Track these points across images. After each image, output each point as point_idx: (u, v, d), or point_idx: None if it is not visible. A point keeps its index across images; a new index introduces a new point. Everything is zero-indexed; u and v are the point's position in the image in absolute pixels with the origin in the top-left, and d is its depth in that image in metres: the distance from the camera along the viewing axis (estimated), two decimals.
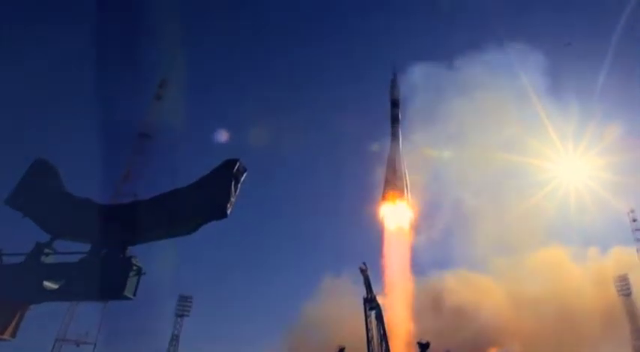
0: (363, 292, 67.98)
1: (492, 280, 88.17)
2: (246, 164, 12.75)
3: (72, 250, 12.63)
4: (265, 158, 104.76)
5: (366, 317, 66.37)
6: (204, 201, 12.44)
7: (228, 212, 12.38)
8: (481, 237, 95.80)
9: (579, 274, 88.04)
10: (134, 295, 12.32)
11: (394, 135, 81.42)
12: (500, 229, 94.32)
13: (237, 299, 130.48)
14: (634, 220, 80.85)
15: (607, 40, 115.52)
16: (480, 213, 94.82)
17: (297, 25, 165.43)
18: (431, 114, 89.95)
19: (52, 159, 13.72)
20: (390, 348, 65.46)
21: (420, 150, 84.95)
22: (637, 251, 78.54)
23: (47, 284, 12.00)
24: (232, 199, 12.42)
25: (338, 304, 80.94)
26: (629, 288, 79.28)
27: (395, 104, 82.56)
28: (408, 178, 79.41)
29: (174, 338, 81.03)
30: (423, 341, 66.33)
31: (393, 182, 78.10)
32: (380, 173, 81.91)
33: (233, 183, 12.45)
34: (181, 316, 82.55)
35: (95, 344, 68.38)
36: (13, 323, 11.89)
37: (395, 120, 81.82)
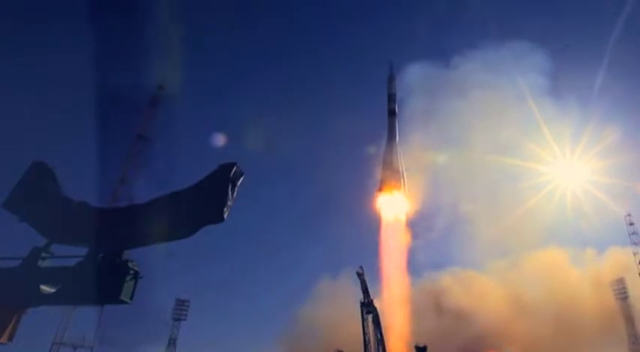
0: (360, 294, 68.22)
1: (490, 281, 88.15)
2: (243, 168, 12.78)
3: (69, 254, 12.63)
4: (262, 161, 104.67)
5: (363, 320, 66.54)
6: (201, 204, 12.44)
7: (225, 216, 12.39)
8: (478, 239, 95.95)
9: (577, 275, 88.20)
10: (131, 299, 12.32)
11: (391, 129, 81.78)
12: (497, 232, 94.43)
13: (234, 302, 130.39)
14: (631, 224, 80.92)
15: (605, 43, 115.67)
16: (477, 215, 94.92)
17: (295, 26, 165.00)
18: (428, 115, 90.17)
19: (50, 162, 13.72)
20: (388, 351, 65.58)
21: (416, 152, 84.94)
22: (634, 254, 78.51)
23: (44, 288, 11.99)
24: (229, 203, 12.43)
25: (335, 306, 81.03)
26: (625, 292, 79.26)
27: (391, 98, 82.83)
28: (404, 170, 79.71)
29: (172, 342, 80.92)
30: (421, 345, 66.53)
31: (389, 174, 78.47)
32: (378, 174, 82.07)
33: (230, 187, 12.46)
34: (178, 320, 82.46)
35: (92, 348, 68.38)
36: (10, 327, 11.87)
37: (392, 114, 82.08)
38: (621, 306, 79.28)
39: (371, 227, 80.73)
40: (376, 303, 68.43)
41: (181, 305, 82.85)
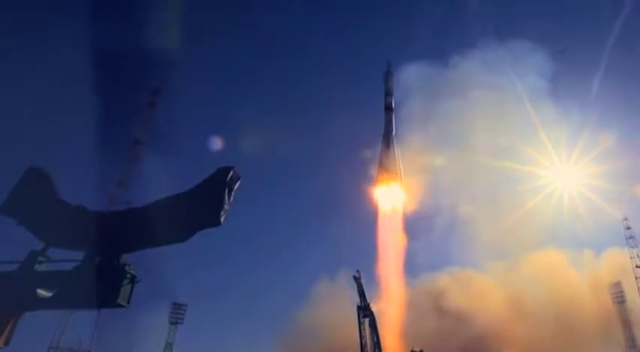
0: (357, 295, 68.24)
1: (489, 282, 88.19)
2: (240, 170, 12.80)
3: (66, 258, 12.63)
4: (259, 162, 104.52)
5: (360, 324, 66.48)
6: (197, 208, 12.47)
7: (222, 220, 12.41)
8: (477, 240, 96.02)
9: (575, 277, 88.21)
10: (128, 303, 12.33)
11: (387, 124, 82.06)
12: (496, 234, 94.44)
13: (232, 306, 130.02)
14: (628, 228, 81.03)
15: (602, 47, 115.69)
16: (476, 217, 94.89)
17: (292, 26, 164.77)
18: (425, 116, 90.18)
19: (46, 166, 13.73)
20: None
21: (414, 153, 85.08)
22: (630, 258, 78.63)
23: (41, 292, 12.00)
24: (226, 207, 12.46)
25: (333, 308, 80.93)
26: (622, 295, 79.32)
27: (388, 93, 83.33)
28: (401, 163, 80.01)
29: (168, 346, 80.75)
30: (417, 350, 66.58)
31: (386, 167, 78.72)
32: (375, 171, 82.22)
33: (227, 191, 12.49)
34: (175, 324, 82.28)
35: None
36: (7, 331, 11.87)
37: (388, 109, 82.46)
38: (618, 310, 79.32)
39: (369, 226, 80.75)
40: (373, 306, 68.46)
41: (178, 308, 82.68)
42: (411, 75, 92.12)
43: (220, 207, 12.37)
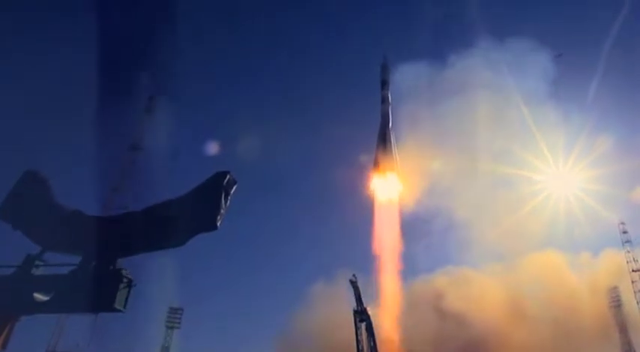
0: (354, 299, 68.21)
1: (487, 284, 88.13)
2: (236, 174, 12.85)
3: (62, 262, 12.65)
4: (255, 165, 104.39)
5: (357, 328, 66.40)
6: (194, 213, 12.50)
7: (218, 224, 12.45)
8: (472, 245, 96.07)
9: (573, 279, 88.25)
10: (124, 307, 12.36)
11: (384, 115, 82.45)
12: (493, 237, 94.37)
13: (228, 310, 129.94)
14: (624, 232, 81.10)
15: (599, 50, 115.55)
16: (473, 221, 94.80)
17: (288, 29, 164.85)
18: (421, 118, 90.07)
19: (43, 170, 13.76)
20: None
21: (409, 157, 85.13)
22: (627, 262, 78.76)
23: (37, 296, 12.01)
24: (222, 211, 12.50)
25: (330, 311, 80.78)
26: (619, 300, 79.34)
27: (384, 85, 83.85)
28: (397, 155, 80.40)
29: (165, 350, 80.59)
30: None
31: (383, 157, 79.20)
32: (371, 166, 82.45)
33: (223, 196, 12.53)
34: (171, 328, 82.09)
35: None
36: (3, 335, 11.86)
37: (384, 101, 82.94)
38: (615, 314, 79.35)
39: (367, 226, 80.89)
40: (370, 310, 68.46)
41: (174, 313, 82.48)
42: (407, 75, 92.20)
43: (217, 211, 12.41)
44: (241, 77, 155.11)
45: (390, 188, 79.76)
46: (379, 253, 78.27)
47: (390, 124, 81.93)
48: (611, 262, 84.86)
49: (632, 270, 77.78)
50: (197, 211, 12.52)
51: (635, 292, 76.52)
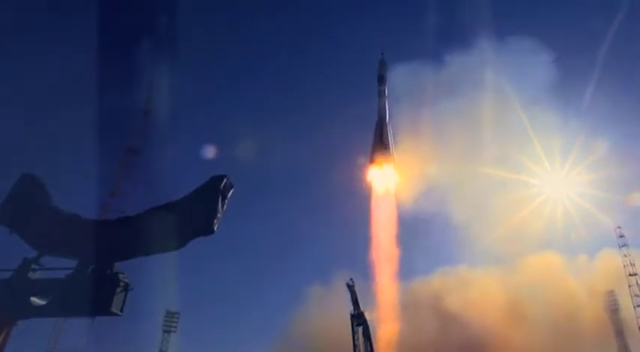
0: (352, 301, 68.19)
1: (483, 287, 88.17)
2: (234, 178, 12.87)
3: (59, 266, 12.65)
4: (252, 169, 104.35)
5: (354, 333, 66.39)
6: (191, 217, 12.52)
7: (215, 228, 12.47)
8: (469, 248, 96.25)
9: (571, 281, 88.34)
10: (121, 311, 12.36)
11: (381, 109, 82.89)
12: (488, 242, 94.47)
13: (225, 314, 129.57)
14: (621, 236, 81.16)
15: (595, 54, 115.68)
16: (470, 224, 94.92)
17: (285, 29, 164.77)
18: (417, 120, 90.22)
19: (40, 174, 13.76)
20: None
21: (406, 159, 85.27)
22: (624, 266, 78.80)
23: (34, 299, 12.01)
24: (219, 215, 12.52)
25: (327, 314, 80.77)
26: (616, 304, 79.40)
27: (381, 80, 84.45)
28: (394, 146, 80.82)
29: None
30: None
31: (379, 150, 79.65)
32: (368, 159, 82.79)
33: (220, 200, 12.55)
34: (168, 332, 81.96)
35: None
36: (1, 339, 11.84)
37: (381, 95, 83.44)
38: (612, 318, 79.38)
39: (366, 228, 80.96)
40: (368, 314, 68.50)
41: (171, 317, 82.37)
42: (405, 75, 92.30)
43: (214, 215, 12.44)
44: (240, 77, 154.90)
45: (387, 179, 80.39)
46: (377, 247, 78.62)
47: (387, 118, 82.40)
48: (609, 263, 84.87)
49: (629, 274, 77.83)
50: (194, 215, 12.54)
51: (631, 296, 76.58)
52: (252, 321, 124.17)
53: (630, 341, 77.14)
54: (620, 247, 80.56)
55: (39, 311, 12.22)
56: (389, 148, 79.61)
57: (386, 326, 74.99)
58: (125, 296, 12.40)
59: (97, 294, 11.96)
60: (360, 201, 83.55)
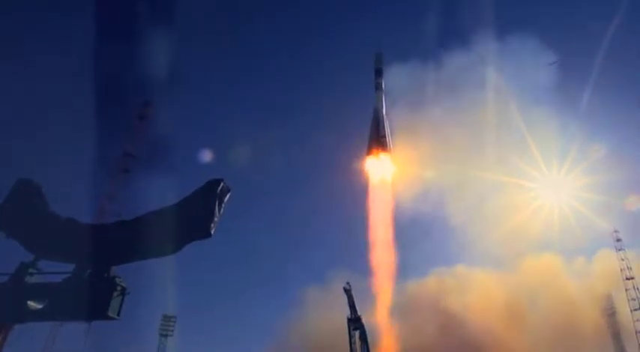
0: (349, 306, 68.21)
1: (481, 287, 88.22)
2: (230, 183, 12.87)
3: (56, 270, 12.64)
4: (249, 173, 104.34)
5: (350, 337, 66.44)
6: (188, 221, 12.51)
7: (212, 232, 12.48)
8: (468, 250, 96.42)
9: (569, 283, 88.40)
10: (118, 315, 12.36)
11: (377, 102, 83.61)
12: (484, 246, 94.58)
13: (221, 317, 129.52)
14: (618, 240, 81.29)
15: (593, 57, 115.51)
16: (467, 228, 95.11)
17: (280, 31, 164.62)
18: (413, 123, 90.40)
19: (36, 178, 13.75)
20: None
21: (403, 161, 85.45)
22: (621, 270, 78.87)
23: (31, 304, 11.99)
24: (216, 219, 12.52)
25: (324, 315, 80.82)
26: (613, 307, 79.53)
27: (378, 73, 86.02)
28: (390, 138, 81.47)
29: None
30: None
31: (376, 140, 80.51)
32: (365, 151, 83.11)
33: (217, 203, 12.56)
34: (165, 336, 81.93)
35: None
36: None
37: (378, 88, 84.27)
38: (609, 322, 79.48)
39: (362, 225, 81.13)
40: (365, 317, 68.61)
41: (168, 320, 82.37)
42: (402, 76, 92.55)
43: (211, 218, 12.44)
44: (239, 78, 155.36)
45: (383, 169, 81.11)
46: (374, 243, 78.90)
47: (384, 110, 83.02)
48: (606, 265, 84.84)
49: (626, 278, 77.93)
50: (190, 219, 12.53)
51: (628, 300, 76.66)
52: (249, 325, 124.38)
53: (627, 344, 77.25)
54: (617, 251, 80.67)
55: (36, 316, 12.18)
56: (385, 140, 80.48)
57: (384, 328, 75.20)
58: (122, 300, 12.39)
59: (94, 298, 11.95)
60: (357, 199, 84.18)
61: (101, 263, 12.41)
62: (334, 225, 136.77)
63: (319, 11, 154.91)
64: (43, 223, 13.13)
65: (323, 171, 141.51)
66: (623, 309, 77.89)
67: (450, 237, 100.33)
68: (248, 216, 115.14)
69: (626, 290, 77.37)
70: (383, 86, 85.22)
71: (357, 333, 66.68)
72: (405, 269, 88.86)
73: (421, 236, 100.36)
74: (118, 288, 12.27)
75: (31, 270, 12.49)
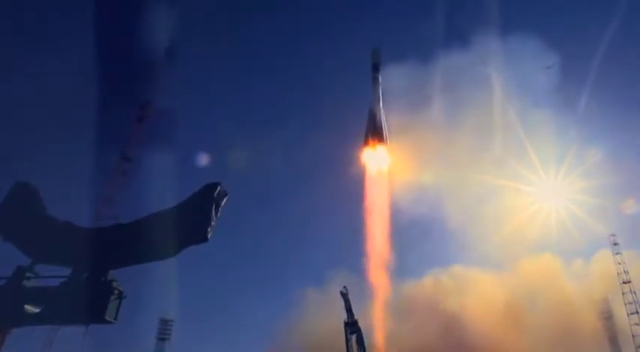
0: (346, 309, 68.17)
1: (478, 291, 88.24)
2: (227, 187, 12.90)
3: (53, 274, 12.65)
4: (246, 177, 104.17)
5: (347, 340, 66.35)
6: (185, 225, 12.52)
7: (209, 236, 12.49)
8: (466, 253, 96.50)
9: (567, 285, 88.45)
10: (115, 319, 12.37)
11: (374, 94, 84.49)
12: (482, 250, 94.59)
13: (219, 321, 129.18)
14: (615, 244, 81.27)
15: (590, 60, 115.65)
16: (464, 231, 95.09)
17: (277, 34, 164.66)
18: (410, 125, 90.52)
19: (33, 181, 13.77)
20: None
21: (400, 163, 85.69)
22: (617, 274, 78.87)
23: (28, 308, 12.00)
24: (213, 223, 12.54)
25: (322, 316, 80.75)
26: (610, 311, 79.52)
27: (375, 67, 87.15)
28: (387, 129, 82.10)
29: None
30: None
31: (373, 131, 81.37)
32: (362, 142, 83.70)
33: (214, 207, 12.57)
34: (162, 339, 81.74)
35: None
36: None
37: (375, 81, 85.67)
38: (605, 325, 79.48)
39: (362, 228, 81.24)
40: (362, 315, 68.73)
41: (165, 324, 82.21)
42: (396, 78, 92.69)
43: (208, 223, 12.45)
44: (239, 78, 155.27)
45: (380, 159, 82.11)
46: (371, 238, 79.13)
47: (381, 103, 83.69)
48: (604, 265, 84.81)
49: (623, 282, 77.94)
50: (188, 223, 12.55)
51: (625, 304, 76.68)
52: (248, 326, 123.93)
53: (624, 348, 77.26)
54: (614, 255, 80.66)
55: (33, 319, 12.20)
56: (382, 131, 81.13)
57: (381, 330, 75.29)
58: (119, 303, 12.41)
59: (91, 302, 11.97)
60: (357, 199, 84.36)
61: (98, 266, 12.42)
62: (334, 225, 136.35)
63: (319, 11, 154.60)
64: (39, 226, 13.15)
65: (323, 171, 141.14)
66: (620, 312, 77.95)
67: (449, 239, 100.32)
68: (247, 217, 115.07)
69: (623, 293, 77.32)
70: (380, 80, 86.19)
71: (353, 337, 66.57)
72: (403, 271, 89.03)
73: (419, 237, 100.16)
74: (115, 292, 12.29)
75: (28, 274, 12.50)
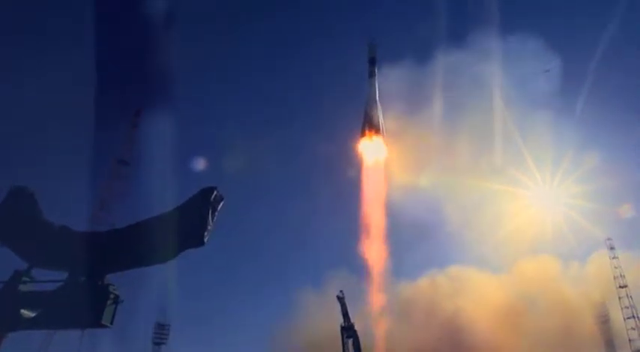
0: (342, 314, 68.16)
1: (477, 292, 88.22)
2: (224, 190, 12.91)
3: (50, 278, 12.65)
4: (243, 180, 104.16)
5: (344, 344, 66.34)
6: (181, 229, 12.52)
7: (206, 240, 12.50)
8: (464, 256, 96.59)
9: (566, 287, 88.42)
10: (111, 323, 12.36)
11: (371, 89, 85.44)
12: (480, 252, 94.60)
13: (216, 326, 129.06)
14: (611, 248, 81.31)
15: (586, 64, 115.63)
16: (462, 234, 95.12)
17: (275, 35, 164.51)
18: (408, 127, 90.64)
19: (30, 186, 13.76)
20: None
21: (397, 166, 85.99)
22: (614, 278, 78.90)
23: (24, 312, 12.00)
24: (209, 227, 12.55)
25: (320, 317, 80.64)
26: (607, 315, 79.54)
27: (371, 62, 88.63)
28: (383, 122, 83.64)
29: None
30: None
31: (369, 125, 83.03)
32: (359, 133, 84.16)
33: (210, 212, 12.58)
34: (159, 344, 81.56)
35: None
36: None
37: (371, 75, 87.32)
38: (602, 329, 79.48)
39: (357, 233, 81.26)
40: (357, 325, 68.55)
41: (162, 329, 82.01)
42: (394, 79, 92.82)
43: (204, 227, 12.46)
44: (239, 78, 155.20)
45: (376, 151, 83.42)
46: (367, 237, 79.29)
47: (377, 96, 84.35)
48: (600, 267, 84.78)
49: (619, 286, 78.01)
50: (184, 227, 12.55)
51: (621, 308, 76.74)
52: (244, 328, 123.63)
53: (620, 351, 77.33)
54: (610, 259, 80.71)
55: (29, 324, 12.20)
56: (378, 124, 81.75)
57: (379, 332, 75.32)
58: (115, 308, 12.41)
59: (88, 306, 11.97)
60: (355, 197, 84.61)
61: (95, 271, 12.41)
62: (333, 225, 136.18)
63: (319, 11, 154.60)
64: (36, 230, 13.13)
65: (322, 171, 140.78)
66: (617, 316, 77.97)
67: (446, 240, 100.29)
68: (246, 217, 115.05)
69: (619, 298, 77.39)
70: (376, 73, 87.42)
71: (350, 341, 66.58)
72: (400, 272, 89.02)
73: (417, 239, 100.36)
74: (112, 296, 12.29)
75: (24, 278, 12.49)
